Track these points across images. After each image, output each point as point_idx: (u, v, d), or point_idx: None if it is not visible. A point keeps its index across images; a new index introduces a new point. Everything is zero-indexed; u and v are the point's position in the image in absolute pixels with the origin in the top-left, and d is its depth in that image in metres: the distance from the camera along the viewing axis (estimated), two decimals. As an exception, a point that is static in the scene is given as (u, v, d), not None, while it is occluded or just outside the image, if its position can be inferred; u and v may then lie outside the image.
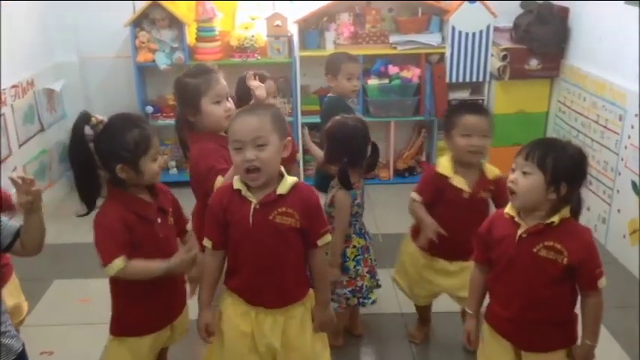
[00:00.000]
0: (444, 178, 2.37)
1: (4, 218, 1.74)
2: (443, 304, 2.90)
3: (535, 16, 4.11)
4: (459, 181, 2.35)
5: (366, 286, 2.58)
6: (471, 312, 2.03)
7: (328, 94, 3.23)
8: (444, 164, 2.40)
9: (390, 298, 3.06)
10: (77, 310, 3.01)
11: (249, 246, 1.85)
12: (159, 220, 1.97)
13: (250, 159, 1.77)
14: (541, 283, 1.82)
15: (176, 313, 2.09)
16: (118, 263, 1.85)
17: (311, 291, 1.99)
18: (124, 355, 1.99)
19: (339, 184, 2.45)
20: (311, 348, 1.96)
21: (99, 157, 1.89)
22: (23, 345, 1.85)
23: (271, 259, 1.85)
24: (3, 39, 3.68)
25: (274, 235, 1.83)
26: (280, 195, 1.82)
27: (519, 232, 1.83)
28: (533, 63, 4.18)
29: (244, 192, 1.83)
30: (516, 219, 1.85)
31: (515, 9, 4.32)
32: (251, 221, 1.82)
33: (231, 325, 1.93)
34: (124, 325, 2.00)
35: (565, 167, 1.78)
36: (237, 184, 1.85)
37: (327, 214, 2.53)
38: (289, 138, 1.87)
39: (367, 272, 2.59)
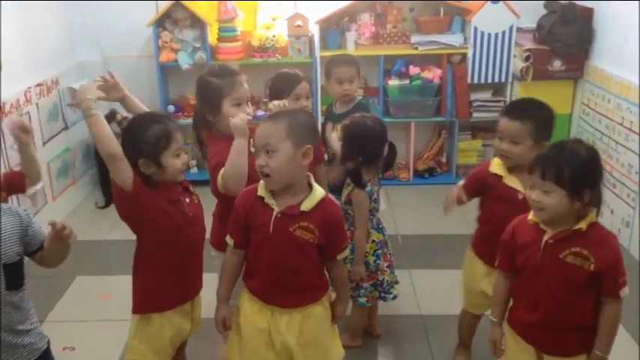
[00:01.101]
0: (497, 178, 2.26)
1: (37, 224, 1.77)
2: (455, 308, 2.88)
3: (559, 16, 4.06)
4: (513, 182, 2.22)
5: (387, 281, 2.60)
6: (495, 319, 2.01)
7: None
8: (496, 162, 2.29)
9: (410, 299, 3.05)
10: (98, 307, 3.05)
11: (267, 251, 1.88)
12: (187, 200, 2.02)
13: (261, 165, 1.82)
14: (566, 289, 1.79)
15: (194, 291, 2.12)
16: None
17: (329, 291, 2.00)
18: (146, 334, 2.02)
19: (353, 182, 2.47)
20: (327, 345, 1.98)
21: (124, 152, 1.91)
22: (48, 343, 1.88)
23: (287, 265, 1.87)
24: (28, 38, 3.75)
25: (292, 245, 1.85)
26: (303, 211, 1.83)
27: (545, 237, 1.81)
28: (557, 64, 4.14)
29: (267, 199, 1.85)
30: (541, 225, 1.83)
31: (538, 9, 4.27)
32: (271, 229, 1.84)
33: (248, 321, 1.95)
34: (145, 302, 2.03)
35: (583, 175, 1.74)
36: (260, 191, 1.87)
37: (344, 211, 2.55)
38: (308, 146, 1.82)
39: (387, 267, 2.60)
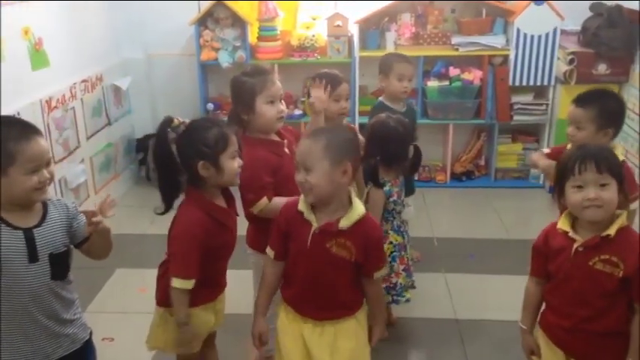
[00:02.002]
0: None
1: (82, 217, 1.82)
2: (499, 313, 2.85)
3: (605, 19, 3.97)
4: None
5: (401, 284, 2.59)
6: (524, 327, 1.99)
7: (380, 97, 3.21)
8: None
9: (445, 303, 3.03)
10: (136, 299, 3.11)
11: (303, 264, 1.89)
12: (232, 224, 2.04)
13: (299, 181, 1.84)
14: (597, 296, 1.77)
15: (218, 291, 2.13)
16: (189, 284, 1.91)
17: (364, 304, 1.99)
18: (169, 324, 2.04)
19: (369, 180, 2.48)
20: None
21: (181, 156, 1.93)
22: (90, 334, 1.93)
23: (322, 281, 1.88)
24: (74, 36, 3.85)
25: (328, 261, 1.85)
26: (341, 229, 1.82)
27: (575, 245, 1.79)
28: (602, 68, 4.04)
29: (306, 215, 1.86)
30: (570, 234, 1.80)
31: (583, 11, 4.18)
32: (309, 243, 1.85)
33: (284, 329, 1.97)
34: (169, 298, 2.03)
35: (619, 166, 1.78)
36: (301, 205, 1.88)
37: None
38: (346, 165, 1.81)
39: (403, 270, 2.60)
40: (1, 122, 1.70)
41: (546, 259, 1.89)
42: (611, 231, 1.74)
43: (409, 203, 2.68)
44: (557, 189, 1.84)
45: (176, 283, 1.91)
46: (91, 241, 1.82)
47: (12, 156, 1.63)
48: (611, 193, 1.72)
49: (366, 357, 2.00)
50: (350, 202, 1.87)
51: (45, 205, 1.76)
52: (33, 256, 1.69)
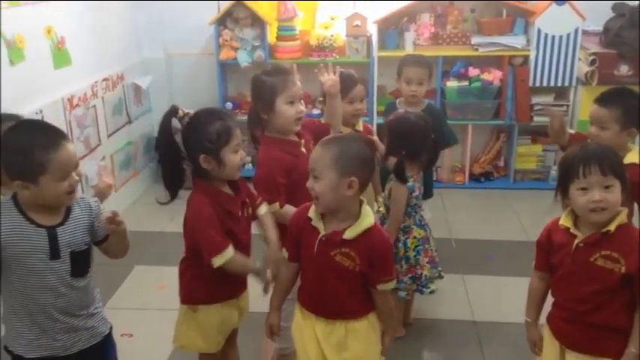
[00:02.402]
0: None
1: (104, 216, 1.84)
2: (518, 316, 2.83)
3: (627, 19, 3.92)
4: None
5: (426, 275, 2.61)
6: (529, 320, 2.01)
7: (398, 98, 3.20)
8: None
9: (462, 304, 3.01)
10: (155, 296, 3.14)
11: (310, 269, 1.92)
12: (240, 214, 2.04)
13: (309, 187, 1.84)
14: (598, 291, 1.78)
15: (241, 288, 2.15)
16: (229, 251, 1.93)
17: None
18: (193, 321, 2.07)
19: (395, 176, 2.48)
20: None
21: (185, 147, 1.96)
22: (111, 328, 1.95)
23: (327, 286, 1.88)
24: (96, 35, 3.89)
25: (332, 269, 1.85)
26: (345, 239, 1.82)
27: (576, 241, 1.81)
28: (624, 69, 4.00)
29: (314, 222, 1.87)
30: (572, 230, 1.82)
31: (605, 12, 4.13)
32: (315, 250, 1.86)
33: (298, 326, 2.00)
34: (193, 295, 2.07)
35: (621, 165, 1.79)
36: (311, 212, 1.89)
37: (385, 206, 2.61)
38: (353, 178, 1.77)
39: (427, 262, 2.62)
40: (27, 129, 1.71)
41: (549, 254, 1.91)
42: (611, 227, 1.75)
43: (423, 207, 2.68)
44: (560, 189, 1.85)
45: (217, 262, 1.91)
46: (109, 241, 1.85)
47: (42, 165, 1.63)
48: (615, 194, 1.74)
49: (375, 358, 1.99)
50: (360, 213, 1.85)
51: None
52: (55, 253, 1.72)
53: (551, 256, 1.90)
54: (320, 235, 1.84)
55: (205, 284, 2.04)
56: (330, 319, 1.92)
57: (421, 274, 2.61)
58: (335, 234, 1.83)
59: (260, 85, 2.28)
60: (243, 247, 2.03)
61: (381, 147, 2.66)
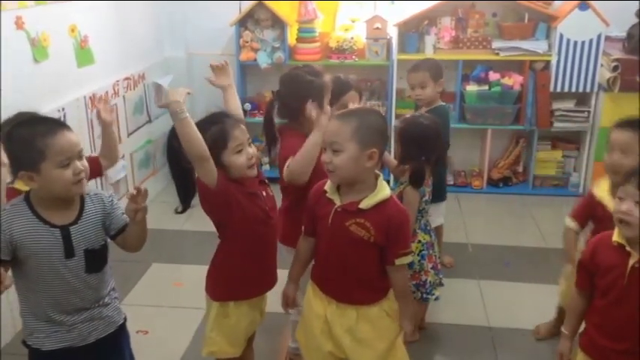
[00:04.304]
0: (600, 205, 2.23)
1: (119, 210, 1.86)
2: (533, 323, 2.81)
3: (652, 25, 3.86)
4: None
5: (430, 282, 2.60)
6: (566, 333, 1.96)
7: None
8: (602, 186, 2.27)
9: (478, 310, 2.99)
10: (172, 294, 3.17)
11: (325, 242, 1.93)
12: (264, 194, 2.07)
13: (326, 161, 1.85)
14: None
15: (271, 282, 2.17)
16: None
17: (390, 294, 1.98)
18: (224, 326, 2.08)
19: (408, 180, 2.47)
20: (384, 351, 1.96)
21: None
22: (125, 319, 1.98)
23: (341, 258, 1.90)
24: (119, 34, 3.94)
25: (347, 241, 1.86)
26: (361, 209, 1.83)
27: (631, 262, 1.71)
28: (647, 75, 3.94)
29: (330, 194, 1.89)
30: (627, 248, 1.73)
31: (629, 18, 4.07)
32: (330, 221, 1.87)
33: (309, 304, 2.02)
34: (225, 290, 2.09)
35: None
36: (327, 185, 1.91)
37: None
38: (374, 149, 1.80)
39: (431, 268, 2.60)
40: (27, 122, 1.75)
41: (590, 274, 1.84)
42: None
43: (431, 213, 2.68)
44: None
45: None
46: (128, 231, 1.85)
47: (41, 152, 1.65)
48: None
49: (394, 355, 1.99)
50: (377, 185, 1.87)
51: (82, 200, 1.79)
52: (69, 252, 1.74)
53: (598, 278, 1.80)
54: (335, 206, 1.86)
55: (236, 279, 2.06)
56: (341, 303, 1.93)
57: (425, 280, 2.59)
58: (351, 204, 1.85)
59: (307, 85, 2.23)
60: (269, 227, 2.07)
61: (389, 159, 2.65)
